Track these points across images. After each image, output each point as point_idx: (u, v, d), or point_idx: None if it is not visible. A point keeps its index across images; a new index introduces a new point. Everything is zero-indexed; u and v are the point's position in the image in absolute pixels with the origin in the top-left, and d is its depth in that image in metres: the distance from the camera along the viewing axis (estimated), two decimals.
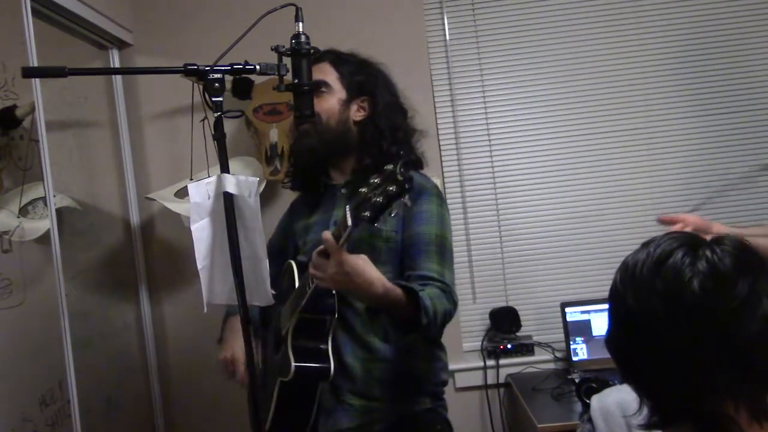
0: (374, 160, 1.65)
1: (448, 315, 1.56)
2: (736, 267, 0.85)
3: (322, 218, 1.80)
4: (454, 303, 1.58)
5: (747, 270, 0.86)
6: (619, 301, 0.92)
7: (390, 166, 1.21)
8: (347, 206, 1.29)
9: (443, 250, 1.64)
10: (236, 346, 1.82)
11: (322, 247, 1.39)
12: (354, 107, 1.74)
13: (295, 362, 1.59)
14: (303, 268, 1.66)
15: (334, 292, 1.62)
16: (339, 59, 1.77)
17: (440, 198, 1.71)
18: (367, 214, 1.23)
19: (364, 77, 1.76)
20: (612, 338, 0.95)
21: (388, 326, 1.59)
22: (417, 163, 1.77)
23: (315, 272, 1.43)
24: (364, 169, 1.68)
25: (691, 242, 0.90)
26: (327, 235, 1.37)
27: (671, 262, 0.87)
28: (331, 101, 1.73)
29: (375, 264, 1.59)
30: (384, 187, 1.21)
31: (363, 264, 1.40)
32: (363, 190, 1.24)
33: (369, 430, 1.69)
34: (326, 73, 1.75)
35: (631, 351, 0.91)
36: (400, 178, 1.19)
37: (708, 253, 0.87)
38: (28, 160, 1.98)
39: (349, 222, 1.27)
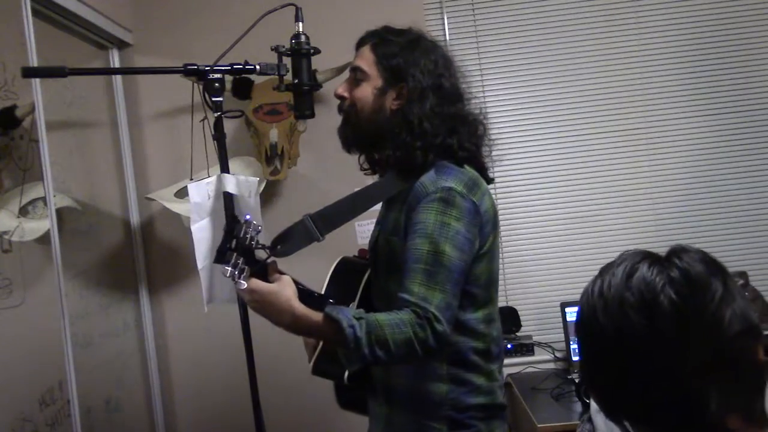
0: (398, 153, 1.54)
1: (414, 344, 1.35)
2: (707, 271, 0.85)
3: (379, 214, 1.71)
4: (433, 330, 1.36)
5: (716, 271, 0.85)
6: (590, 330, 0.88)
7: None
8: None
9: (435, 269, 1.40)
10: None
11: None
12: (392, 95, 1.57)
13: None
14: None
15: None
16: (381, 41, 1.60)
17: (444, 202, 1.45)
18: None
19: (402, 60, 1.57)
20: (592, 377, 0.90)
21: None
22: (449, 152, 1.54)
23: (240, 297, 1.42)
24: (389, 163, 1.58)
25: (653, 256, 0.88)
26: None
27: (639, 275, 0.85)
28: (366, 89, 1.58)
29: (388, 274, 1.56)
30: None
31: (274, 291, 1.36)
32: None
33: None
34: (364, 57, 1.60)
35: (618, 381, 0.87)
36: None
37: (677, 261, 0.85)
38: (28, 160, 1.98)
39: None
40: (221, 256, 1.33)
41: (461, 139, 1.55)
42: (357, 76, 1.60)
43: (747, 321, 0.83)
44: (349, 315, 1.34)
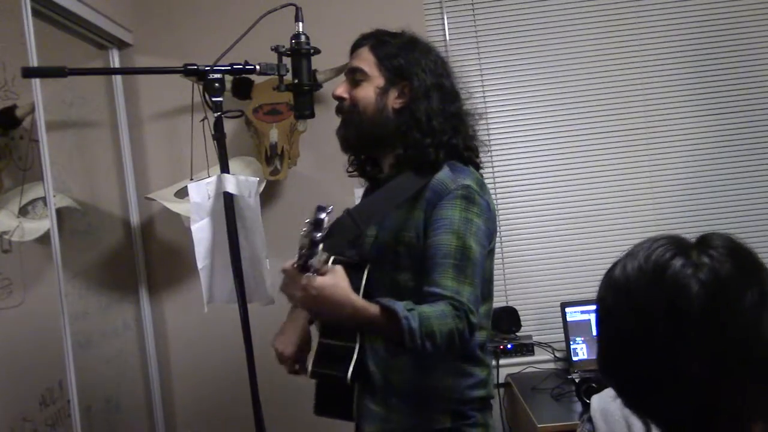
0: (411, 152, 1.56)
1: (455, 336, 1.39)
2: (738, 270, 0.80)
3: None
4: (469, 323, 1.41)
5: (750, 272, 0.81)
6: (614, 323, 0.85)
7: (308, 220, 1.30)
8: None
9: (463, 263, 1.45)
10: (288, 341, 1.74)
11: (287, 266, 1.38)
12: (394, 94, 1.60)
13: None
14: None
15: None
16: (379, 42, 1.63)
17: (466, 199, 1.50)
18: (302, 259, 1.32)
19: (404, 60, 1.60)
20: (609, 364, 0.88)
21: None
22: (455, 152, 1.59)
23: (285, 291, 1.39)
24: (400, 162, 1.59)
25: (682, 247, 0.83)
26: (286, 266, 1.38)
27: (671, 273, 0.80)
28: (368, 89, 1.60)
29: (397, 270, 1.57)
30: (307, 234, 1.30)
31: (332, 283, 1.34)
32: (302, 233, 1.31)
33: None
34: (363, 59, 1.62)
35: (638, 379, 0.84)
36: (308, 238, 1.29)
37: (705, 259, 0.81)
38: (28, 160, 1.99)
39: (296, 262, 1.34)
40: (315, 247, 1.30)
41: (464, 138, 1.61)
42: (356, 78, 1.61)
43: None
44: (401, 306, 1.37)
